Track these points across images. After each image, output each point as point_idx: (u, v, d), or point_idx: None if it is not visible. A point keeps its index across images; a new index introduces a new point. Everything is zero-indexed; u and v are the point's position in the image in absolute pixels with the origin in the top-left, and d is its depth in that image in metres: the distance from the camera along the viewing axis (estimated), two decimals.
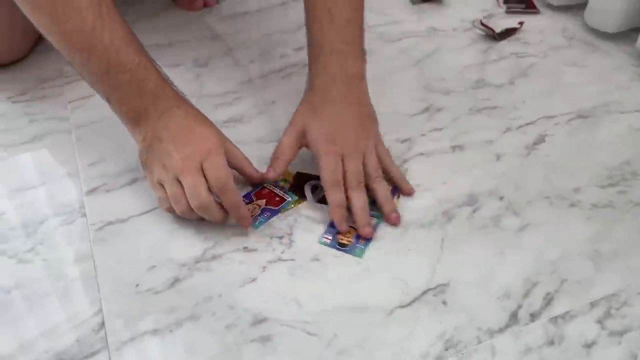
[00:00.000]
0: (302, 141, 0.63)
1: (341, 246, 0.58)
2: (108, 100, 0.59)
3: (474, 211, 0.61)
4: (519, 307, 0.52)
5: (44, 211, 0.61)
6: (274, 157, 0.63)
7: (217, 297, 0.53)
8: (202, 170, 0.55)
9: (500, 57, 0.86)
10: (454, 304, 0.52)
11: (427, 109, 0.75)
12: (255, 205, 0.61)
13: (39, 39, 0.84)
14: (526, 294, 0.53)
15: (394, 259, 0.56)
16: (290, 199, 0.62)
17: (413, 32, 0.90)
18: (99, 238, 0.58)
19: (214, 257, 0.56)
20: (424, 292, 0.53)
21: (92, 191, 0.63)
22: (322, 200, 0.62)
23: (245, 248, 0.57)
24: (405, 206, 0.62)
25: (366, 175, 0.61)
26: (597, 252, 0.57)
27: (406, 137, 0.71)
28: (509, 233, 0.59)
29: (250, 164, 0.62)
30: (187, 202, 0.56)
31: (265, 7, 0.97)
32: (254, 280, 0.54)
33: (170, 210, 0.58)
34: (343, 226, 0.59)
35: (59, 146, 0.70)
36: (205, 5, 0.96)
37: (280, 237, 0.59)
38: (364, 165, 0.61)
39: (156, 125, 0.57)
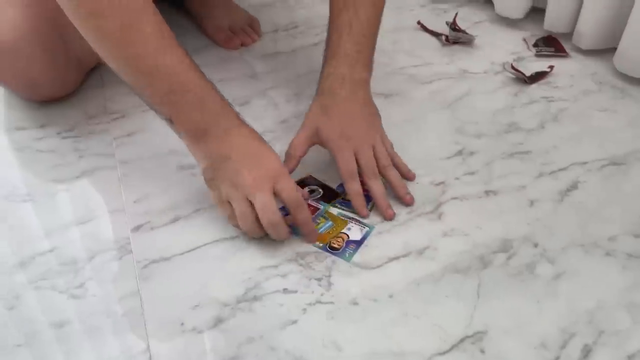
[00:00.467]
0: (314, 140, 0.69)
1: (332, 249, 0.63)
2: (170, 121, 0.62)
3: (509, 257, 0.62)
4: (557, 358, 0.53)
5: (93, 247, 0.64)
6: (287, 155, 0.69)
7: (259, 338, 0.55)
8: (274, 190, 0.60)
9: (531, 100, 0.87)
10: (491, 353, 0.53)
11: (460, 152, 0.77)
12: None
13: (87, 75, 0.88)
14: (564, 345, 0.54)
15: (431, 304, 0.58)
16: (322, 207, 0.68)
17: (444, 74, 0.93)
18: (145, 276, 0.60)
19: (255, 298, 0.58)
20: (462, 340, 0.54)
21: (137, 228, 0.66)
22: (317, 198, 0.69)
23: (285, 289, 0.59)
24: (442, 251, 0.63)
25: (378, 164, 0.68)
26: (633, 304, 0.58)
27: (440, 180, 0.72)
28: (544, 281, 0.60)
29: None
30: (255, 219, 0.60)
31: (298, 47, 1.00)
32: (294, 322, 0.56)
33: (238, 226, 0.62)
34: (364, 211, 0.66)
35: (105, 182, 0.72)
36: (243, 44, 0.99)
37: (319, 279, 0.60)
38: (375, 156, 0.68)
39: (220, 144, 0.61)
